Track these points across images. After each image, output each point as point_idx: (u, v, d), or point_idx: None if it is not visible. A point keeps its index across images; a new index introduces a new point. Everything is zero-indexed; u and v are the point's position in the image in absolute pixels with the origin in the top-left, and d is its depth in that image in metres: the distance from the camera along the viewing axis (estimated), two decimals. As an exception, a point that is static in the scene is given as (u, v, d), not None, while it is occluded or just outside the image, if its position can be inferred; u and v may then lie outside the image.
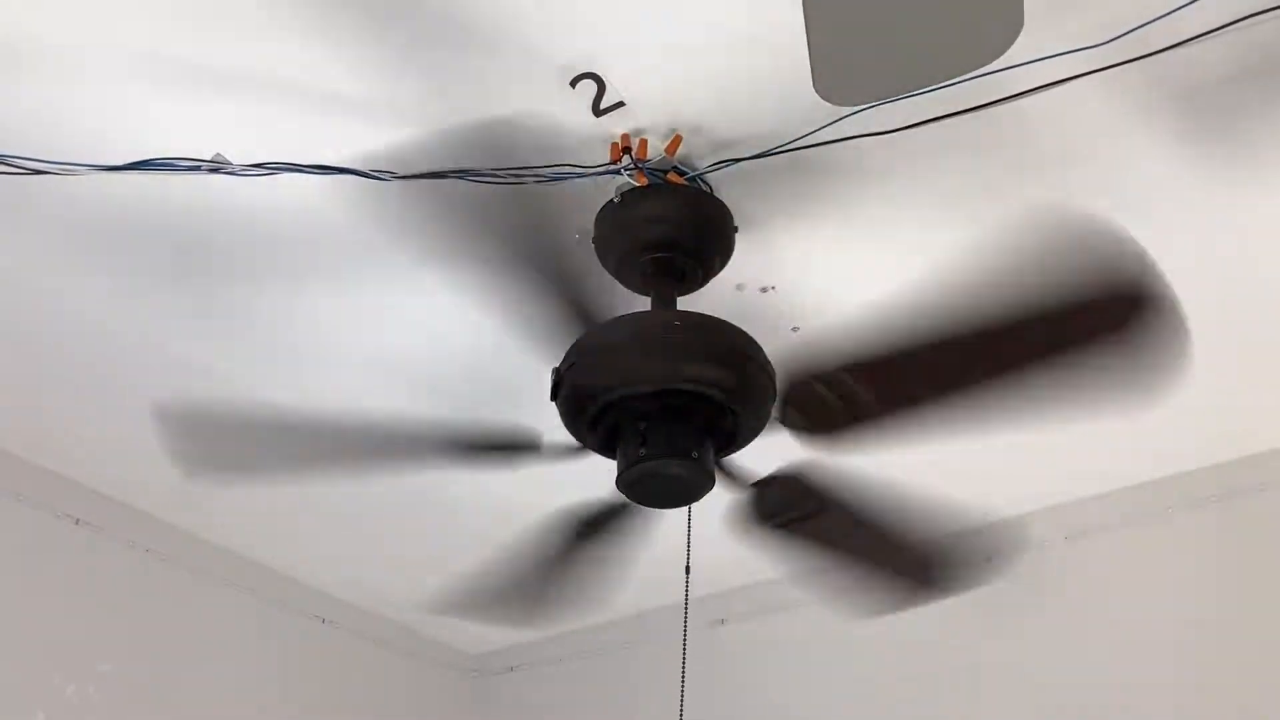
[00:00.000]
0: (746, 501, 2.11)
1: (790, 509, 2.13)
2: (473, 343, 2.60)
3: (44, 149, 2.03)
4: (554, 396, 1.98)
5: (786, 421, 2.00)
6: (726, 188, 2.17)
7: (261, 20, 1.89)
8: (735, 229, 2.19)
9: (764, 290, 2.45)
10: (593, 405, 1.96)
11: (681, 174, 2.11)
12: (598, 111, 2.04)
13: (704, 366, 1.95)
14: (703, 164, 2.13)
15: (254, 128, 2.07)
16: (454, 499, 3.17)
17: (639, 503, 2.05)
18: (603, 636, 3.98)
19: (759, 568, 3.50)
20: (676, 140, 2.08)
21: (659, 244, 2.11)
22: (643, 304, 2.12)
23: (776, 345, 2.06)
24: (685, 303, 2.13)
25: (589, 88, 2.00)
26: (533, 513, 2.30)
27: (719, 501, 2.09)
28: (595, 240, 2.17)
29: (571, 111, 2.04)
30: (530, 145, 2.06)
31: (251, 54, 1.95)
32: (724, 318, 2.01)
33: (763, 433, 2.03)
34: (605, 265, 2.17)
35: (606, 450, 2.04)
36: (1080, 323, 1.82)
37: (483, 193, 2.00)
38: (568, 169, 2.09)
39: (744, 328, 2.02)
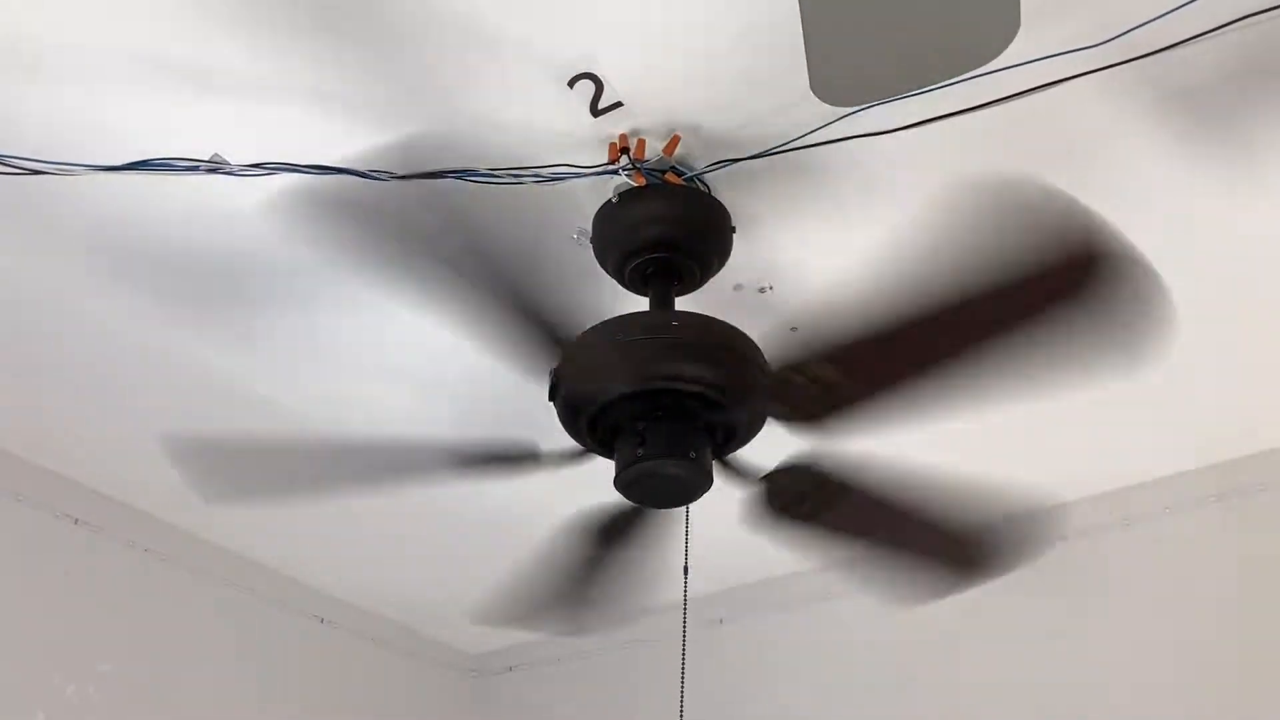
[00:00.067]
0: (758, 496, 2.10)
1: (805, 499, 2.12)
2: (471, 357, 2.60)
3: (42, 149, 2.03)
4: (552, 397, 1.99)
5: (770, 413, 2.00)
6: (724, 188, 2.17)
7: (260, 21, 1.89)
8: (733, 229, 2.19)
9: (762, 290, 2.45)
10: (591, 406, 1.97)
11: (679, 174, 2.11)
12: (596, 112, 2.04)
13: (702, 367, 1.95)
14: (700, 164, 2.13)
15: (252, 128, 2.07)
16: (454, 499, 3.17)
17: (637, 503, 2.05)
18: (601, 636, 3.97)
19: (757, 567, 3.53)
20: (674, 140, 2.08)
21: (657, 244, 2.11)
22: (641, 304, 2.12)
23: (775, 346, 2.07)
24: (683, 303, 2.14)
25: (587, 88, 2.00)
26: (531, 510, 2.31)
27: (717, 501, 2.09)
28: (593, 240, 2.17)
29: (569, 112, 2.04)
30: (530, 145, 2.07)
31: (250, 54, 1.95)
32: (722, 318, 2.01)
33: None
34: (603, 265, 2.18)
35: (605, 450, 2.04)
36: (1040, 288, 1.80)
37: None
38: (566, 169, 2.09)
39: (742, 328, 2.02)
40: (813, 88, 1.65)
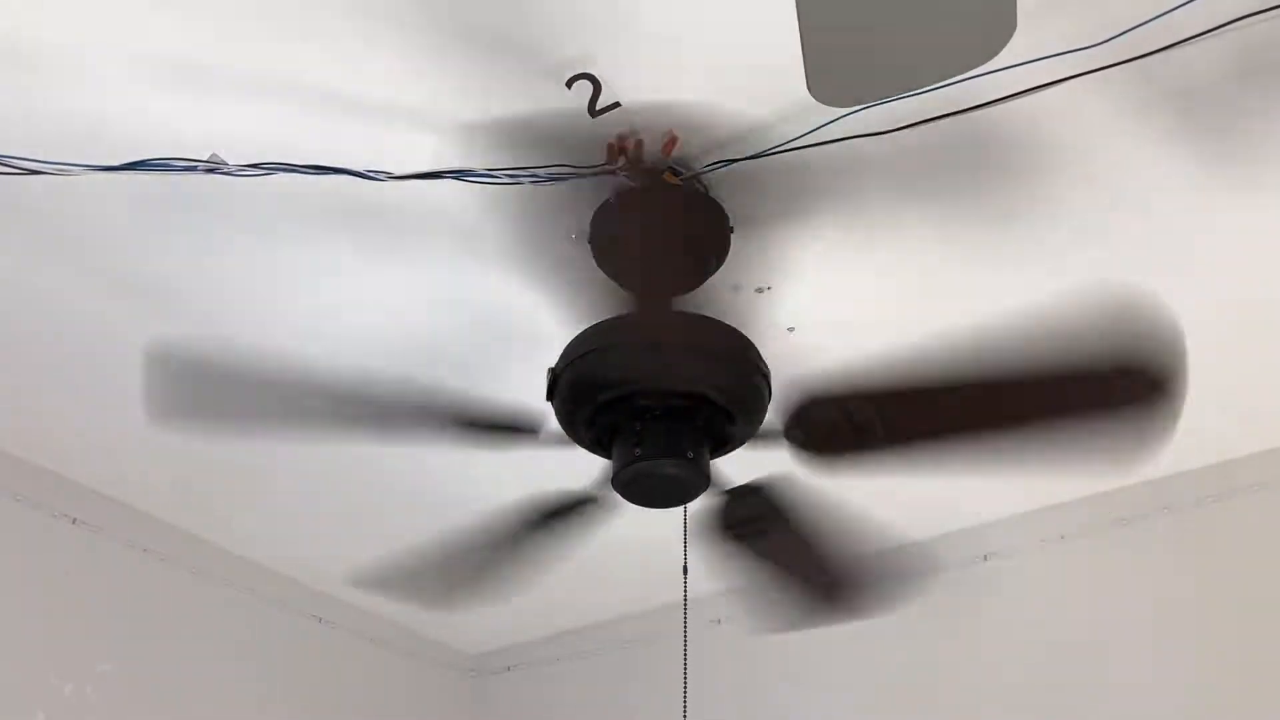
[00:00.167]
0: (716, 508, 2.12)
1: (748, 521, 2.16)
2: (462, 328, 2.60)
3: (41, 149, 2.03)
4: (550, 396, 1.99)
5: (789, 436, 2.01)
6: (722, 188, 2.17)
7: (258, 21, 1.89)
8: (731, 229, 2.19)
9: (760, 291, 2.45)
10: (589, 405, 1.97)
11: (677, 174, 2.11)
12: (594, 112, 2.04)
13: (700, 367, 1.96)
14: (698, 164, 2.13)
15: (250, 128, 2.07)
16: (454, 499, 3.17)
17: (634, 503, 2.05)
18: (600, 636, 3.98)
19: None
20: (672, 141, 2.08)
21: (655, 244, 2.11)
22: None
23: (773, 346, 2.07)
24: (681, 303, 2.14)
25: (585, 88, 2.00)
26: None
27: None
28: (591, 240, 2.17)
29: (567, 112, 2.04)
30: (528, 145, 2.07)
31: (248, 55, 1.95)
32: (720, 318, 2.01)
33: (760, 443, 2.04)
34: (601, 265, 2.18)
35: (602, 450, 2.04)
36: (1098, 391, 1.88)
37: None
38: (564, 169, 2.09)
39: (740, 328, 2.02)
40: (810, 88, 1.65)
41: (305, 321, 2.58)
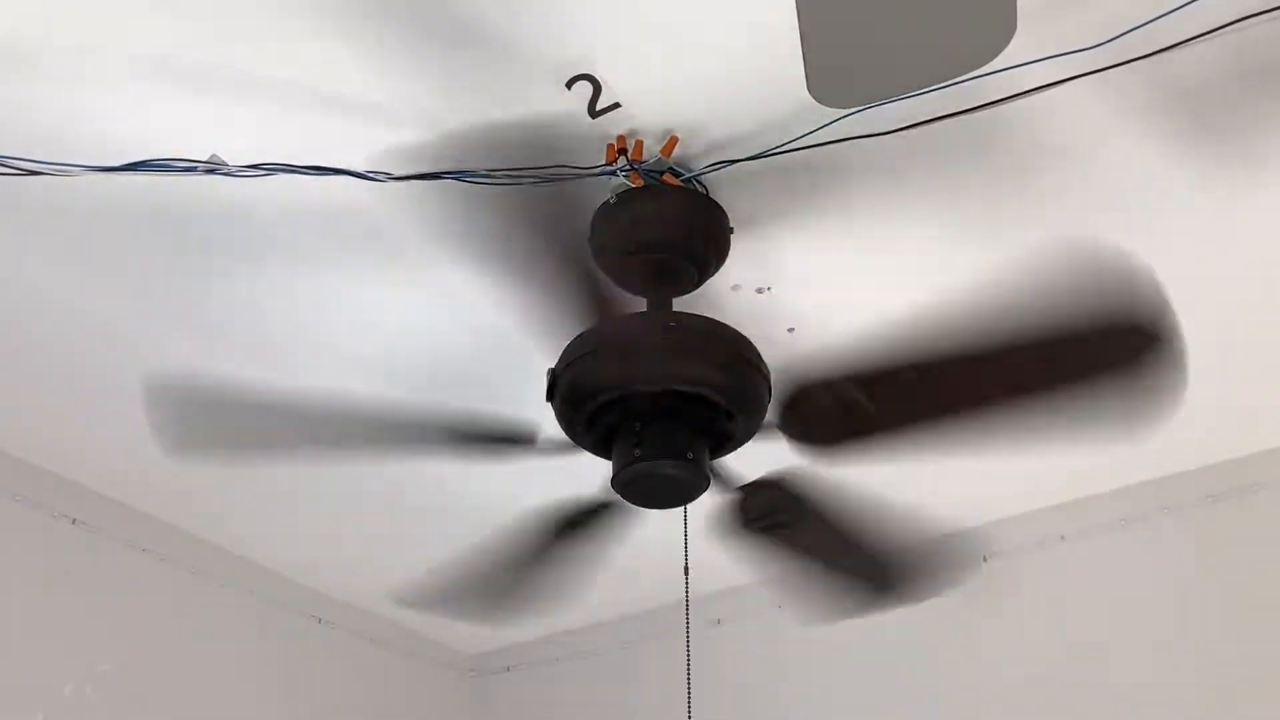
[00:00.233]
0: (731, 505, 2.12)
1: (770, 515, 2.14)
2: (461, 337, 2.61)
3: (41, 150, 2.03)
4: (550, 397, 1.99)
5: (784, 427, 2.00)
6: (722, 189, 2.17)
7: (257, 21, 1.89)
8: (731, 230, 2.19)
9: (760, 291, 2.45)
10: (589, 406, 1.97)
11: (677, 175, 2.12)
12: (594, 113, 2.04)
13: (699, 368, 1.95)
14: (698, 165, 2.13)
15: (250, 129, 2.07)
16: (454, 499, 3.17)
17: (634, 503, 2.05)
18: (599, 637, 3.98)
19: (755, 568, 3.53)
20: (672, 141, 2.09)
21: (655, 245, 2.11)
22: (639, 305, 2.12)
23: (773, 347, 2.07)
24: (681, 304, 2.14)
25: (585, 89, 2.00)
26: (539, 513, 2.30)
27: (714, 502, 2.10)
28: (591, 241, 2.17)
29: (567, 112, 2.04)
30: (528, 145, 2.07)
31: (247, 55, 1.95)
32: (720, 319, 2.01)
33: (757, 437, 2.03)
34: (601, 266, 2.17)
35: (602, 451, 2.04)
36: (1090, 353, 1.84)
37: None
38: (563, 170, 2.09)
39: (740, 329, 2.02)
40: (810, 89, 1.65)
41: (306, 321, 2.58)
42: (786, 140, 2.06)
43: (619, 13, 1.88)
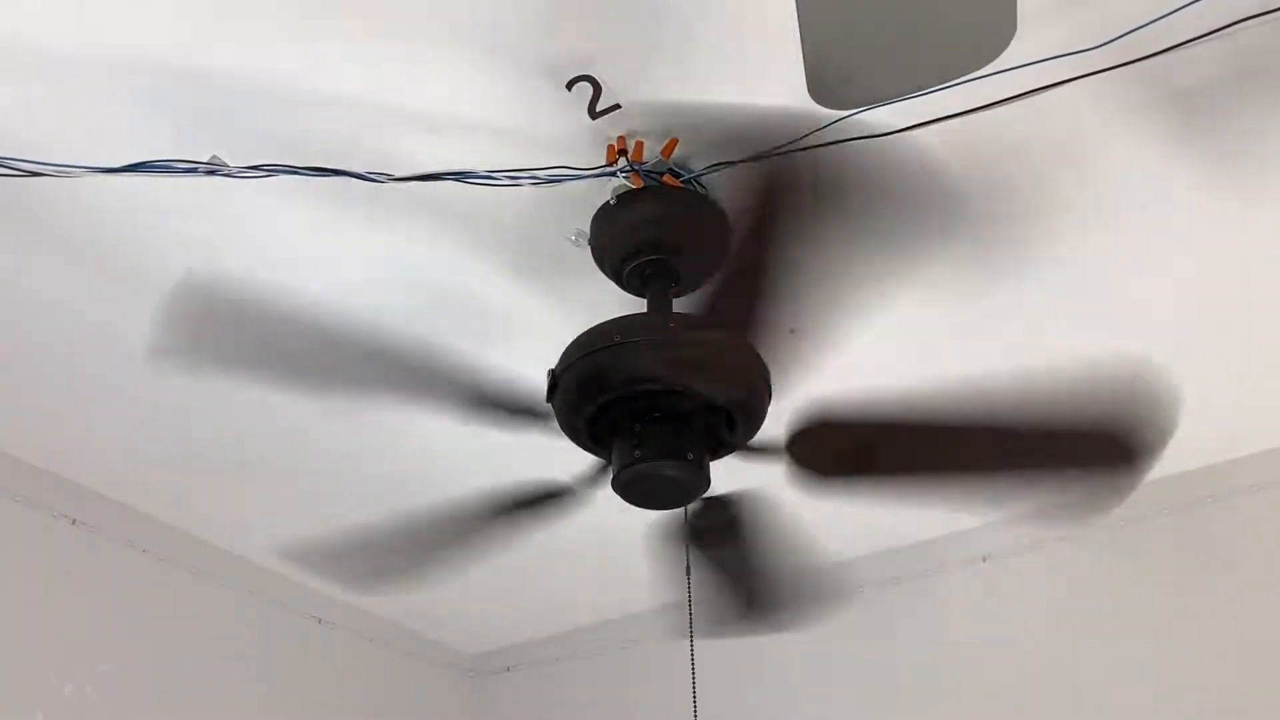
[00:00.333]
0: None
1: (711, 531, 2.20)
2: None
3: (41, 151, 2.03)
4: (550, 398, 1.99)
5: (792, 452, 2.02)
6: (722, 190, 2.17)
7: (259, 22, 1.89)
8: (731, 231, 2.19)
9: (760, 293, 2.45)
10: (589, 406, 1.97)
11: (677, 176, 2.12)
12: (594, 114, 2.04)
13: (699, 369, 1.95)
14: (699, 166, 2.13)
15: (250, 129, 2.07)
16: (453, 498, 3.17)
17: (634, 504, 2.05)
18: (600, 637, 3.98)
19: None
20: (672, 143, 2.09)
21: (655, 246, 2.11)
22: (639, 306, 2.12)
23: (773, 348, 2.07)
24: (681, 305, 2.14)
25: (585, 90, 2.00)
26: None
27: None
28: (591, 242, 2.17)
29: (567, 113, 2.04)
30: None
31: (249, 56, 1.95)
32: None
33: (757, 455, 2.05)
34: (601, 267, 2.18)
35: (602, 451, 2.04)
36: (1080, 449, 2.02)
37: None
38: (563, 171, 2.09)
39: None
40: (810, 91, 1.65)
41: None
42: (786, 141, 2.06)
43: (620, 14, 1.88)
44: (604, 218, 2.14)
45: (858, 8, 1.57)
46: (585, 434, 2.02)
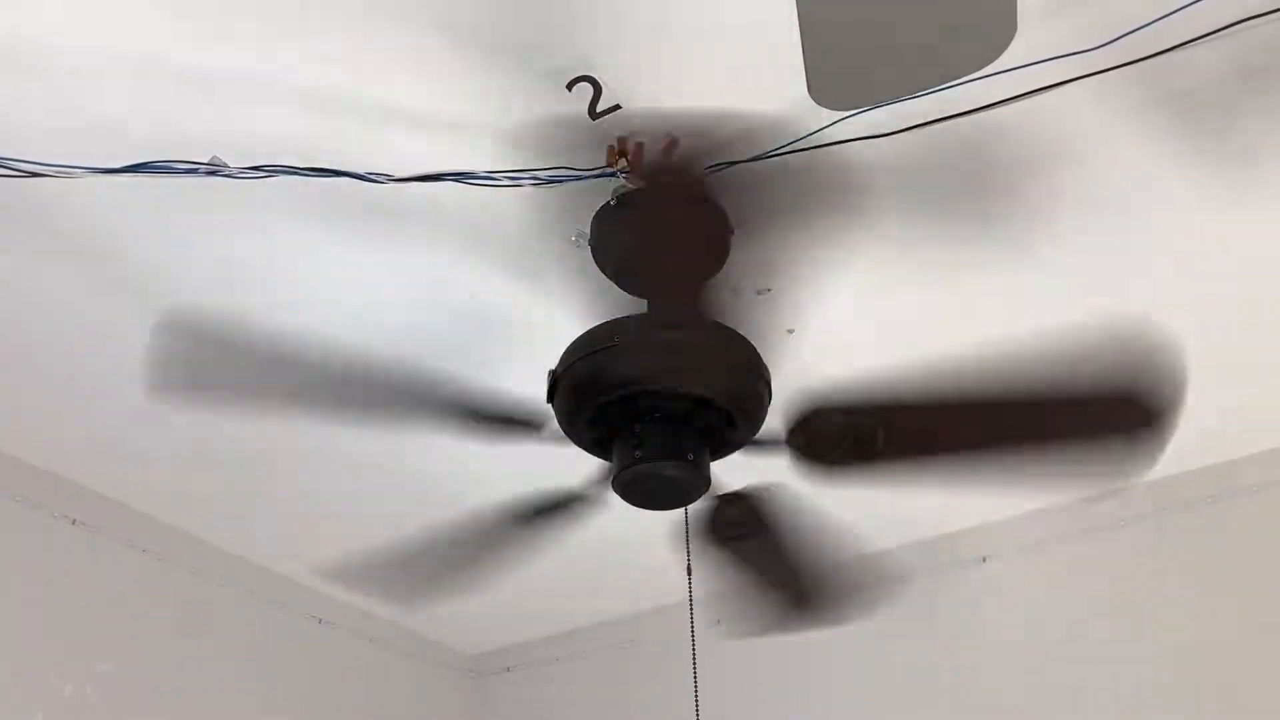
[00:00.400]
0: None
1: (733, 526, 2.18)
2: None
3: (42, 151, 2.03)
4: (551, 399, 1.99)
5: (792, 442, 2.02)
6: (722, 190, 2.16)
7: (259, 22, 1.89)
8: (731, 231, 2.19)
9: (759, 293, 2.45)
10: (589, 407, 1.97)
11: (678, 176, 2.12)
12: (594, 115, 2.04)
13: (699, 369, 1.95)
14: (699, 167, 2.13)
15: (252, 130, 2.07)
16: (454, 499, 3.16)
17: (635, 504, 2.05)
18: (600, 637, 3.98)
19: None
20: (673, 143, 2.08)
21: (655, 246, 2.11)
22: (639, 306, 2.12)
23: (772, 349, 2.07)
24: (682, 305, 2.13)
25: (585, 90, 2.00)
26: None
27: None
28: (591, 243, 2.17)
29: (568, 114, 2.04)
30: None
31: (250, 56, 1.95)
32: (719, 320, 2.01)
33: (757, 449, 2.05)
34: (602, 268, 2.18)
35: (603, 452, 2.04)
36: (1093, 416, 1.95)
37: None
38: (564, 172, 2.09)
39: (739, 330, 2.02)
40: (810, 91, 1.65)
41: (307, 324, 2.58)
42: (787, 141, 2.06)
43: (620, 14, 1.87)
44: (604, 218, 2.14)
45: (858, 8, 1.57)
46: (586, 435, 2.02)
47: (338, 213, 2.26)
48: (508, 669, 4.18)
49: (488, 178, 2.09)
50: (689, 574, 2.44)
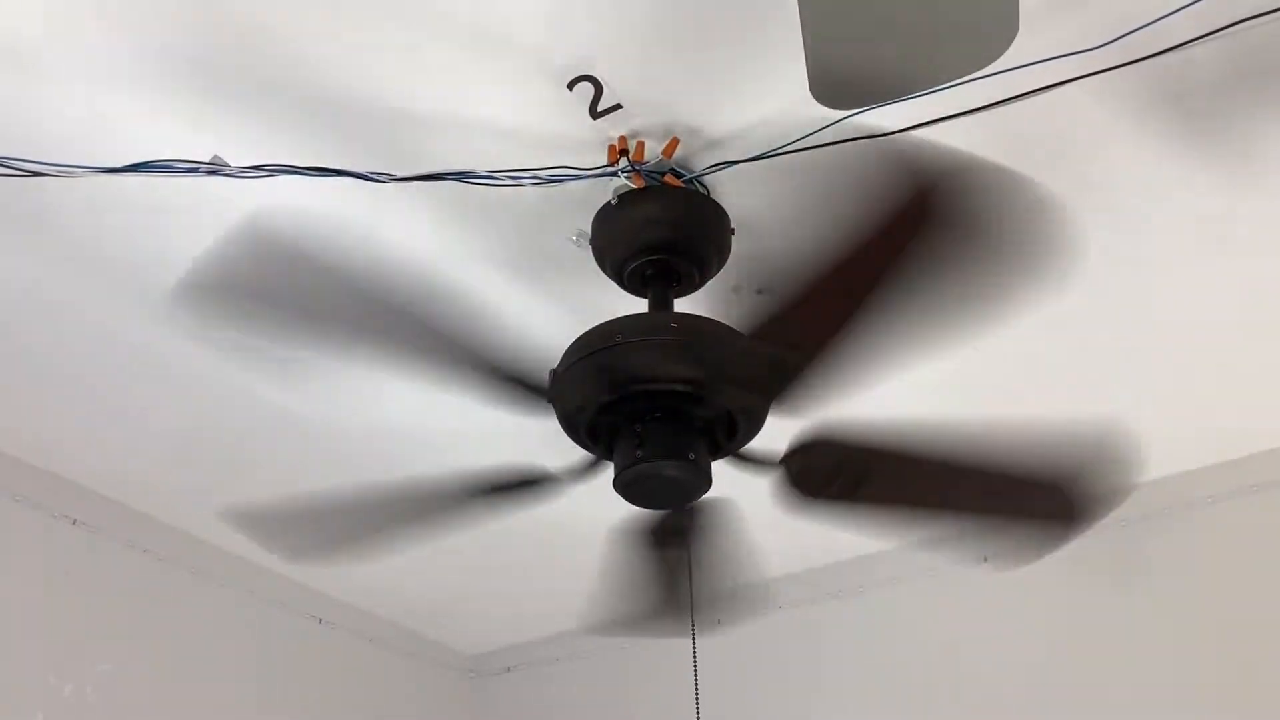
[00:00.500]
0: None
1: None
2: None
3: (43, 151, 2.03)
4: (551, 398, 1.99)
5: (787, 465, 2.02)
6: (723, 190, 2.17)
7: (258, 23, 1.89)
8: (732, 231, 2.19)
9: (760, 293, 2.45)
10: (590, 407, 1.97)
11: (678, 176, 2.12)
12: (595, 114, 2.04)
13: (701, 369, 1.95)
14: (700, 166, 2.13)
15: (252, 130, 2.07)
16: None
17: (636, 504, 2.05)
18: (599, 637, 3.97)
19: (753, 567, 3.53)
20: (673, 143, 2.09)
21: (656, 246, 2.11)
22: (640, 306, 2.12)
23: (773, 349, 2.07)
24: (682, 305, 2.14)
25: (586, 90, 2.00)
26: (537, 512, 2.29)
27: (714, 502, 2.10)
28: (592, 242, 2.17)
29: (569, 114, 2.04)
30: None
31: (248, 56, 1.95)
32: (721, 320, 2.01)
33: (749, 465, 2.06)
34: (602, 267, 2.18)
35: (603, 452, 2.04)
36: (1037, 499, 2.10)
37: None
38: (565, 171, 2.09)
39: (740, 330, 2.02)
40: (812, 91, 1.65)
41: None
42: (788, 141, 2.06)
43: (620, 13, 1.88)
44: (605, 218, 2.14)
45: (859, 8, 1.57)
46: (586, 434, 2.02)
47: (337, 211, 2.26)
48: (508, 669, 4.18)
49: (489, 177, 2.09)
50: (689, 574, 2.44)
